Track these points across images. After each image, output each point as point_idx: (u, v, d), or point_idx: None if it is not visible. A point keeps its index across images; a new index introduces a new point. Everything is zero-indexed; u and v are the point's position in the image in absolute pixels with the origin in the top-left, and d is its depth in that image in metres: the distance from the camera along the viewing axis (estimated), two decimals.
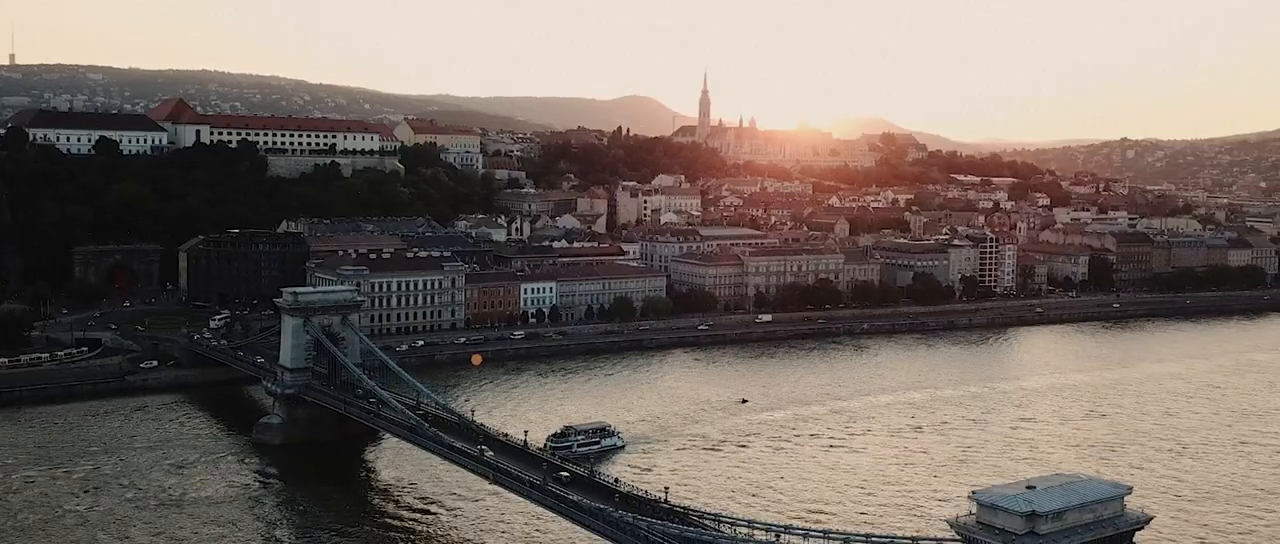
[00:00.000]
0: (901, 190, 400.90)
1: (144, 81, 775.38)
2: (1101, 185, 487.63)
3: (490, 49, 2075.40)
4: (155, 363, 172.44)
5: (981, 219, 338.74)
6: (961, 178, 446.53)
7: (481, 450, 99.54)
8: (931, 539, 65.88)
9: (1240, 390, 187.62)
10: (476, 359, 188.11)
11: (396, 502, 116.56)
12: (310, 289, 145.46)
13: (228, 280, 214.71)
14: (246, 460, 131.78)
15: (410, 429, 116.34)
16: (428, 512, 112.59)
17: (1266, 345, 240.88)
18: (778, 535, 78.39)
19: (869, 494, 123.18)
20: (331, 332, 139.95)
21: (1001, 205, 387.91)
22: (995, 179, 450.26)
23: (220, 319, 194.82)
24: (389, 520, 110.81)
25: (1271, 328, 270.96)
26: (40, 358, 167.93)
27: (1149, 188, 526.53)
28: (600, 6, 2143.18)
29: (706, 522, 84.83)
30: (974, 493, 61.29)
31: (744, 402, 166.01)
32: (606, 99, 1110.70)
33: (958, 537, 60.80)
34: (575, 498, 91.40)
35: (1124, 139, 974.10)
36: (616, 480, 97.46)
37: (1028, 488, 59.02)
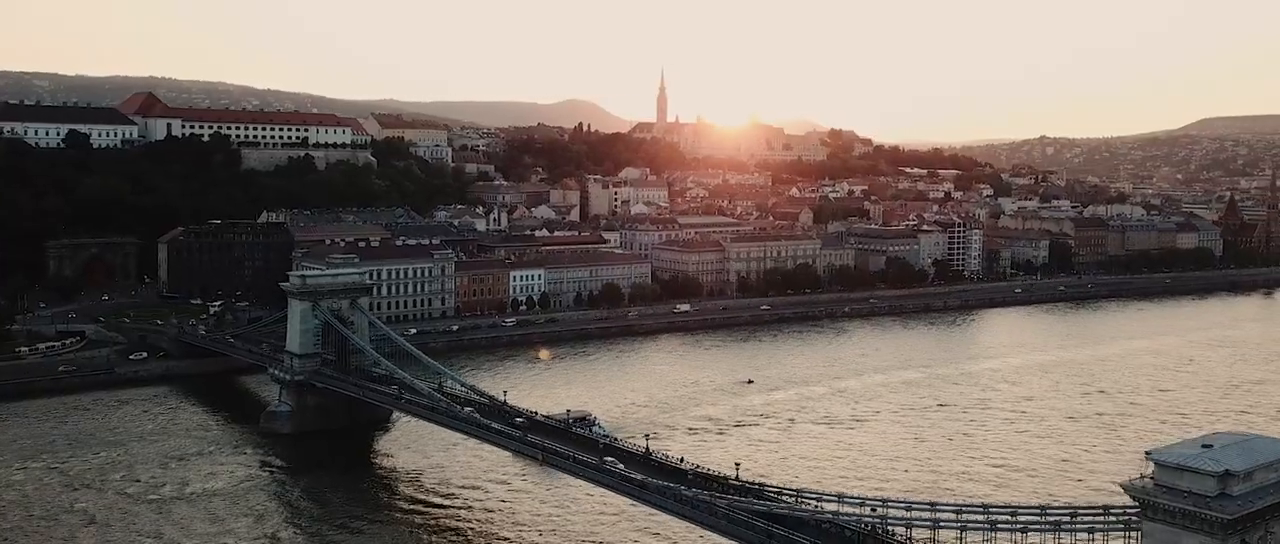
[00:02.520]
0: (855, 182, 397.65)
1: (90, 88, 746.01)
2: (1039, 177, 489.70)
3: (432, 55, 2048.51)
4: (145, 355, 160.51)
5: (935, 208, 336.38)
6: (909, 170, 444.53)
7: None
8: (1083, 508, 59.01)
9: (1218, 364, 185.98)
10: (545, 354, 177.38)
11: (413, 489, 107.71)
12: (318, 272, 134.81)
13: (210, 272, 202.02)
14: (253, 450, 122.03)
15: (441, 412, 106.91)
16: (445, 498, 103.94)
17: (1227, 322, 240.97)
18: (873, 509, 70.90)
19: (903, 470, 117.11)
20: (341, 315, 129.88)
21: (951, 195, 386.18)
22: (941, 171, 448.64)
23: (216, 308, 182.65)
24: (407, 509, 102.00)
25: (1226, 305, 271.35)
26: (54, 346, 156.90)
27: (1080, 179, 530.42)
28: (538, 14, 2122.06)
29: (785, 497, 76.97)
30: (1151, 454, 54.13)
31: (750, 382, 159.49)
32: (548, 103, 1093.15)
33: (1133, 502, 53.76)
34: (639, 477, 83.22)
35: (1043, 137, 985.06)
36: (681, 459, 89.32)
37: (1203, 447, 52.17)
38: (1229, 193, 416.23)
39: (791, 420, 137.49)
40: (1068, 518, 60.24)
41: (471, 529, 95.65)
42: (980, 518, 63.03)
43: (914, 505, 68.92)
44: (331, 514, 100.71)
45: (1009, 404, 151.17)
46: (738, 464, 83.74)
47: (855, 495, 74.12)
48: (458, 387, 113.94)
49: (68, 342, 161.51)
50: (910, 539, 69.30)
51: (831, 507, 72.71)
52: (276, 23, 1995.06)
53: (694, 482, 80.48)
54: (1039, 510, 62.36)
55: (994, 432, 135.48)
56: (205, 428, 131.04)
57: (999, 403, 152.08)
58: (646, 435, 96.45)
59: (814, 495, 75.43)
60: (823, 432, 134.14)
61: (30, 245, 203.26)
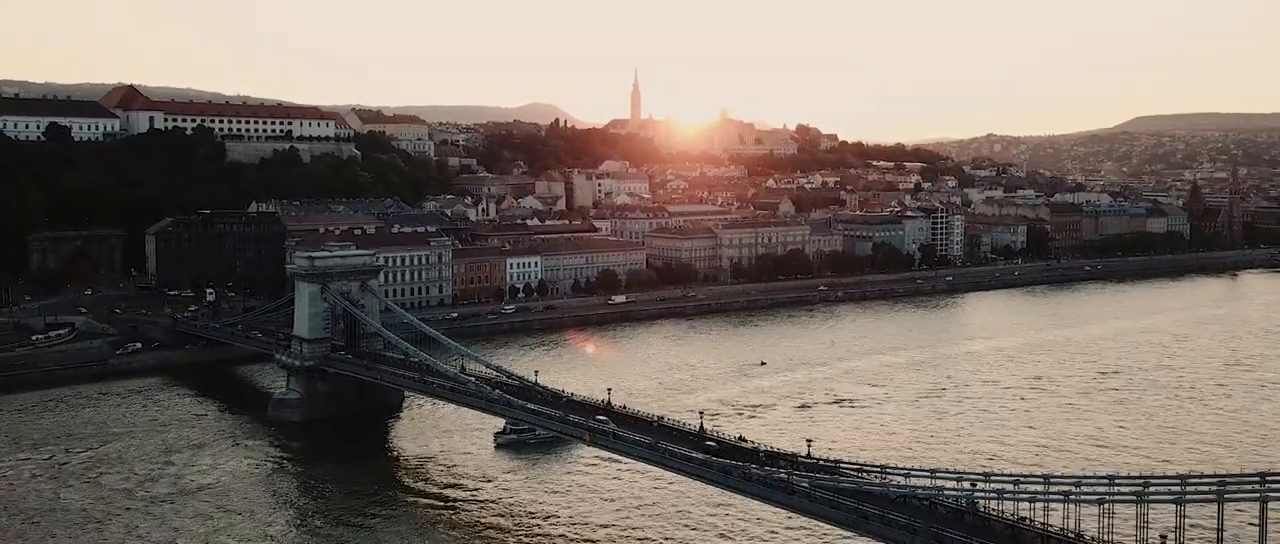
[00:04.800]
0: (828, 174, 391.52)
1: (60, 94, 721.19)
2: (1000, 169, 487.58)
3: (397, 61, 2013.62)
4: (138, 345, 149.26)
5: (908, 197, 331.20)
6: (877, 163, 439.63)
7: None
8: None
9: (1211, 340, 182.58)
10: (592, 348, 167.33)
11: (428, 476, 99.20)
12: (327, 253, 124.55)
13: (200, 262, 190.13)
14: (262, 439, 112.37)
15: (470, 393, 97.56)
16: (461, 485, 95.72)
17: (1206, 302, 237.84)
18: (974, 485, 63.00)
19: (942, 445, 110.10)
20: (351, 298, 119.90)
21: (921, 186, 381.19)
22: (907, 164, 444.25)
23: (210, 298, 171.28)
24: (422, 497, 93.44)
25: (1199, 286, 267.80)
26: (61, 335, 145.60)
27: (1039, 171, 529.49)
28: (498, 20, 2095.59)
29: (869, 473, 68.70)
30: None
31: (763, 364, 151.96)
32: (512, 106, 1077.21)
33: None
34: (701, 457, 74.67)
35: (990, 135, 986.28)
36: (741, 437, 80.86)
37: None
38: (1193, 180, 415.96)
39: (804, 405, 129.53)
40: (1215, 488, 52.31)
41: (489, 516, 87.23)
42: (1119, 490, 55.04)
43: (1023, 479, 60.82)
44: (345, 504, 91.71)
45: (1020, 382, 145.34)
46: (809, 441, 75.50)
47: (950, 470, 66.12)
48: (482, 367, 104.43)
49: (60, 333, 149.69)
50: (1017, 514, 61.44)
51: (923, 482, 64.71)
52: (243, 31, 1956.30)
53: (766, 460, 71.94)
54: (1179, 480, 54.37)
55: (1013, 408, 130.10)
56: (208, 418, 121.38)
57: (1009, 381, 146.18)
58: (701, 413, 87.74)
59: (901, 471, 67.12)
60: (841, 412, 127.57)
61: (11, 239, 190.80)
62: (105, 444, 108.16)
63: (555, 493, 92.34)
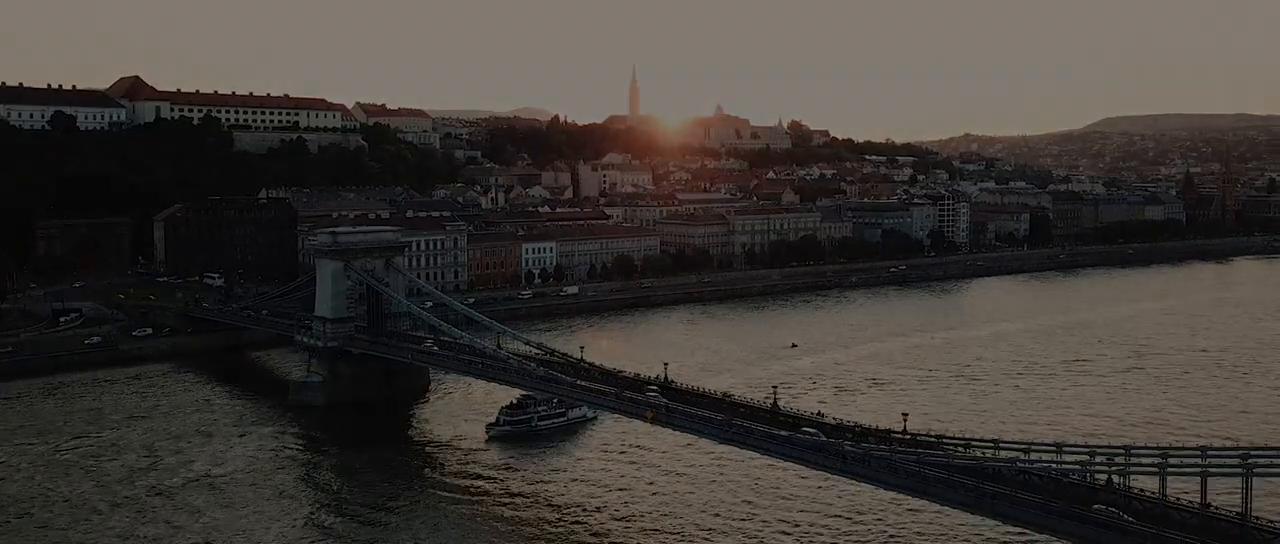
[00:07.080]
0: (825, 167, 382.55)
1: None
2: (988, 163, 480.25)
3: (388, 67, 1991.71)
4: (149, 331, 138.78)
5: (907, 188, 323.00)
6: (870, 157, 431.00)
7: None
8: None
9: (1232, 320, 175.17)
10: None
11: (455, 462, 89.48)
12: (350, 229, 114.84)
13: (209, 249, 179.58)
14: (283, 425, 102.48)
15: (512, 372, 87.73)
16: (488, 471, 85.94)
17: (1216, 284, 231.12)
18: (1111, 459, 53.61)
19: (1000, 424, 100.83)
20: (375, 276, 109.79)
21: (917, 178, 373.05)
22: (899, 158, 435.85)
23: (218, 283, 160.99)
24: (450, 485, 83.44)
25: (1201, 271, 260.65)
26: (70, 320, 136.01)
27: (1029, 165, 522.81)
28: (489, 23, 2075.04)
29: (979, 448, 59.35)
30: None
31: (794, 346, 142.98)
32: (504, 112, 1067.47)
33: None
34: (784, 434, 65.09)
35: (967, 134, 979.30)
36: (819, 413, 71.27)
37: None
38: (1187, 171, 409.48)
39: (845, 386, 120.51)
40: None
41: (521, 506, 77.48)
42: None
43: (1173, 451, 51.54)
44: (369, 493, 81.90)
45: (1054, 362, 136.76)
46: (905, 415, 65.98)
47: (1079, 444, 56.72)
48: (521, 345, 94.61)
49: (66, 319, 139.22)
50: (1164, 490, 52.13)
51: (1049, 456, 55.36)
52: (239, 35, 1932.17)
53: (861, 436, 62.44)
54: None
55: (1059, 388, 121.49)
56: (224, 404, 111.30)
57: (1047, 363, 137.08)
58: (774, 387, 78.10)
59: (1018, 445, 57.72)
60: (882, 392, 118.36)
61: (16, 226, 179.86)
62: (116, 431, 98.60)
63: (577, 483, 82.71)
